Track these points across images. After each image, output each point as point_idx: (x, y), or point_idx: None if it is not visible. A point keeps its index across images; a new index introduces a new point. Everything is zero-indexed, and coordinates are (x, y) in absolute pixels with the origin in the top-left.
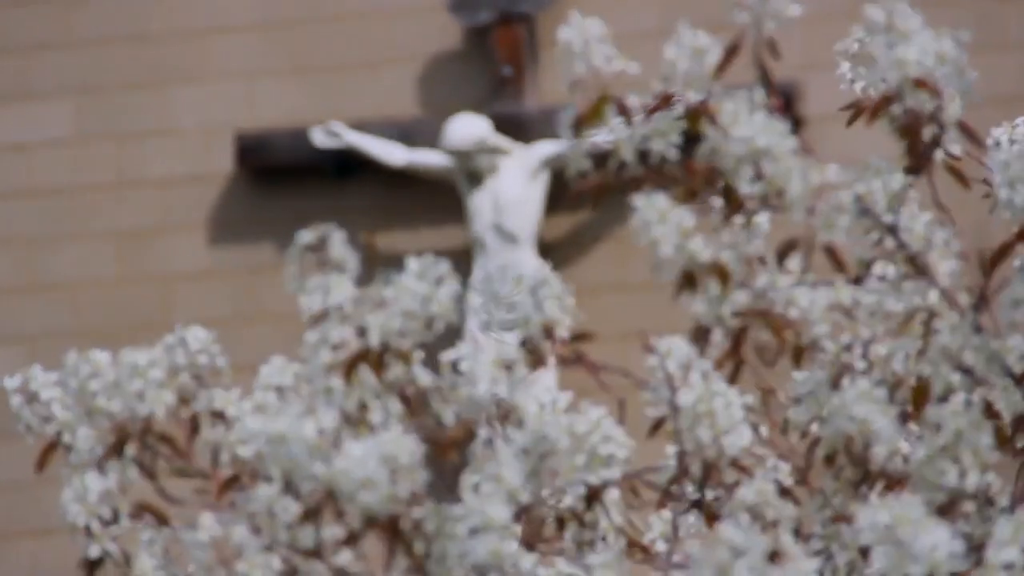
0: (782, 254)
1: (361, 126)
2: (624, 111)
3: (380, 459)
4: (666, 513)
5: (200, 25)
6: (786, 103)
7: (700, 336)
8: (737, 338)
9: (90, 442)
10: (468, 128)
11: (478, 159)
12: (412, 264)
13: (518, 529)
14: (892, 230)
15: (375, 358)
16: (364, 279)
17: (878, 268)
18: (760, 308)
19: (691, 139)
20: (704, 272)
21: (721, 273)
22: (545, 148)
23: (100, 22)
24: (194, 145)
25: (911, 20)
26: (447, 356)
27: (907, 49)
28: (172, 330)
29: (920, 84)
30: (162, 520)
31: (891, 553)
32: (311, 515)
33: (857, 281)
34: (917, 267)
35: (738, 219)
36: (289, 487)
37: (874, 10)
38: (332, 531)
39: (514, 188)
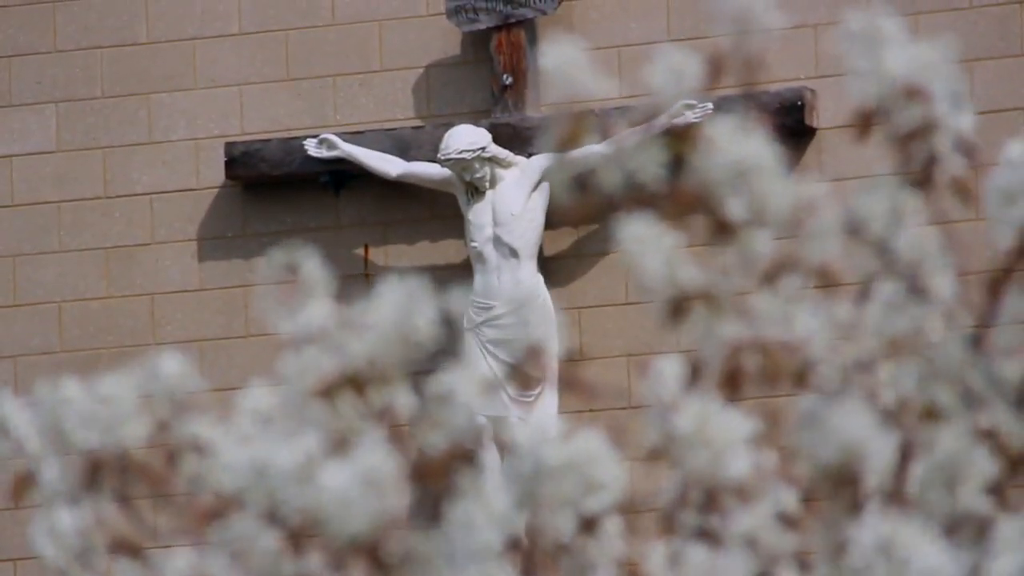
0: (771, 275)
1: (356, 137)
2: (608, 131)
3: (358, 479)
4: (665, 542)
5: (188, 32)
6: (797, 114)
7: (695, 368)
8: (732, 365)
9: (60, 474)
10: (467, 138)
11: (477, 170)
12: (387, 285)
13: (507, 557)
14: (886, 249)
15: (356, 382)
16: (361, 295)
17: (878, 287)
18: (753, 335)
19: (680, 159)
20: (693, 299)
21: (710, 300)
22: (546, 159)
23: (85, 29)
24: (182, 157)
25: (893, 28)
26: (433, 380)
27: (890, 59)
28: (160, 348)
29: (910, 95)
30: (138, 553)
31: (888, 573)
32: (293, 544)
33: (856, 300)
34: (913, 286)
35: (727, 241)
36: (271, 517)
37: (855, 19)
38: (314, 561)
39: (514, 201)
